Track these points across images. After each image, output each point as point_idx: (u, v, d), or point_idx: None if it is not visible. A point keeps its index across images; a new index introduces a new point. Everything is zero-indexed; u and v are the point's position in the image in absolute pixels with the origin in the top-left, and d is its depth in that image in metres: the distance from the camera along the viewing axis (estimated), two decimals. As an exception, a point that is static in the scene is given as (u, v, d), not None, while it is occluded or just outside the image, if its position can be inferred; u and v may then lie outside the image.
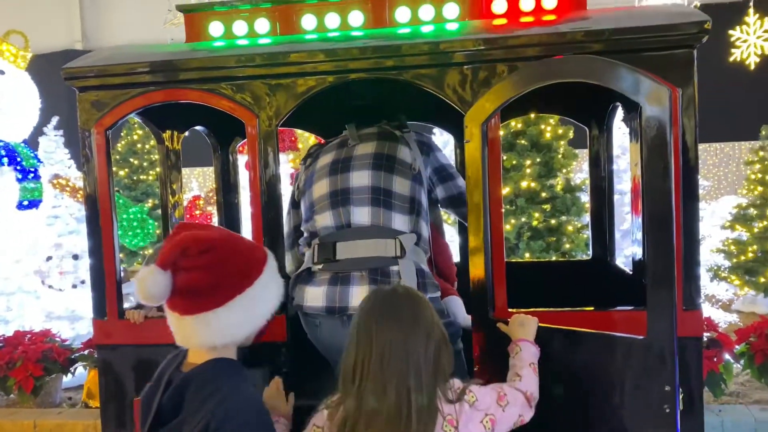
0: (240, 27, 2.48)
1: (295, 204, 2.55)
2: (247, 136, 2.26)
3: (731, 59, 7.65)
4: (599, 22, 2.13)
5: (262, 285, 1.50)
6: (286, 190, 2.53)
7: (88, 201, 2.37)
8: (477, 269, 2.08)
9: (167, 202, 3.01)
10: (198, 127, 3.19)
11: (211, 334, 1.44)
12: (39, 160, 6.28)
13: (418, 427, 1.47)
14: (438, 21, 2.34)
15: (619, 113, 3.18)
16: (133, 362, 2.37)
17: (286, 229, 2.56)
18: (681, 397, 1.88)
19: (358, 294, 2.12)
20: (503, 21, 2.28)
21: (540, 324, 1.95)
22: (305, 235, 2.38)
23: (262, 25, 2.46)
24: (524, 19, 2.26)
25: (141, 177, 10.06)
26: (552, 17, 2.25)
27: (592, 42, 2.03)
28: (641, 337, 1.79)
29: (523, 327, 1.92)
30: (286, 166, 6.99)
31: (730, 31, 7.56)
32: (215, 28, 2.51)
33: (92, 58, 2.45)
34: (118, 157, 10.13)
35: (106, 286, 2.35)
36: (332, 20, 2.40)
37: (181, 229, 1.49)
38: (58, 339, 4.88)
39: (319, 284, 2.19)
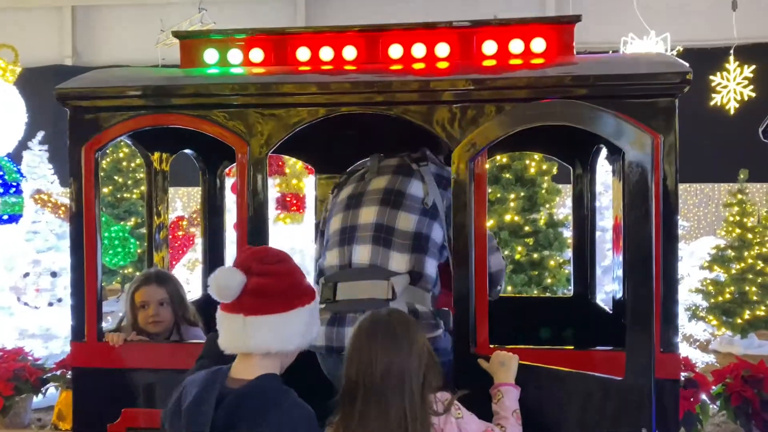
0: (235, 55, 2.51)
1: (322, 232, 2.54)
2: (237, 163, 2.28)
3: (712, 103, 7.85)
4: (585, 68, 2.20)
5: (314, 309, 1.65)
6: (271, 215, 2.53)
7: (73, 221, 2.36)
8: (460, 304, 2.10)
9: (152, 223, 3.00)
10: (187, 150, 3.20)
11: (271, 337, 1.54)
12: (22, 175, 6.22)
13: None
14: (430, 59, 2.39)
15: (603, 152, 3.26)
16: (110, 386, 2.33)
17: (316, 254, 2.57)
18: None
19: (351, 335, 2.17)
20: (493, 62, 2.34)
21: (520, 362, 1.96)
22: (317, 271, 2.43)
23: (257, 54, 2.50)
24: (513, 62, 2.32)
25: (125, 195, 9.96)
26: (540, 61, 2.31)
27: (578, 87, 2.09)
28: (619, 378, 1.81)
29: (504, 367, 1.93)
30: (273, 190, 7.00)
31: (711, 77, 7.77)
32: (210, 55, 2.54)
33: (85, 79, 2.45)
34: (102, 174, 10.05)
35: (86, 309, 2.33)
36: (326, 54, 2.44)
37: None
38: (30, 358, 4.78)
39: (322, 323, 2.22)
